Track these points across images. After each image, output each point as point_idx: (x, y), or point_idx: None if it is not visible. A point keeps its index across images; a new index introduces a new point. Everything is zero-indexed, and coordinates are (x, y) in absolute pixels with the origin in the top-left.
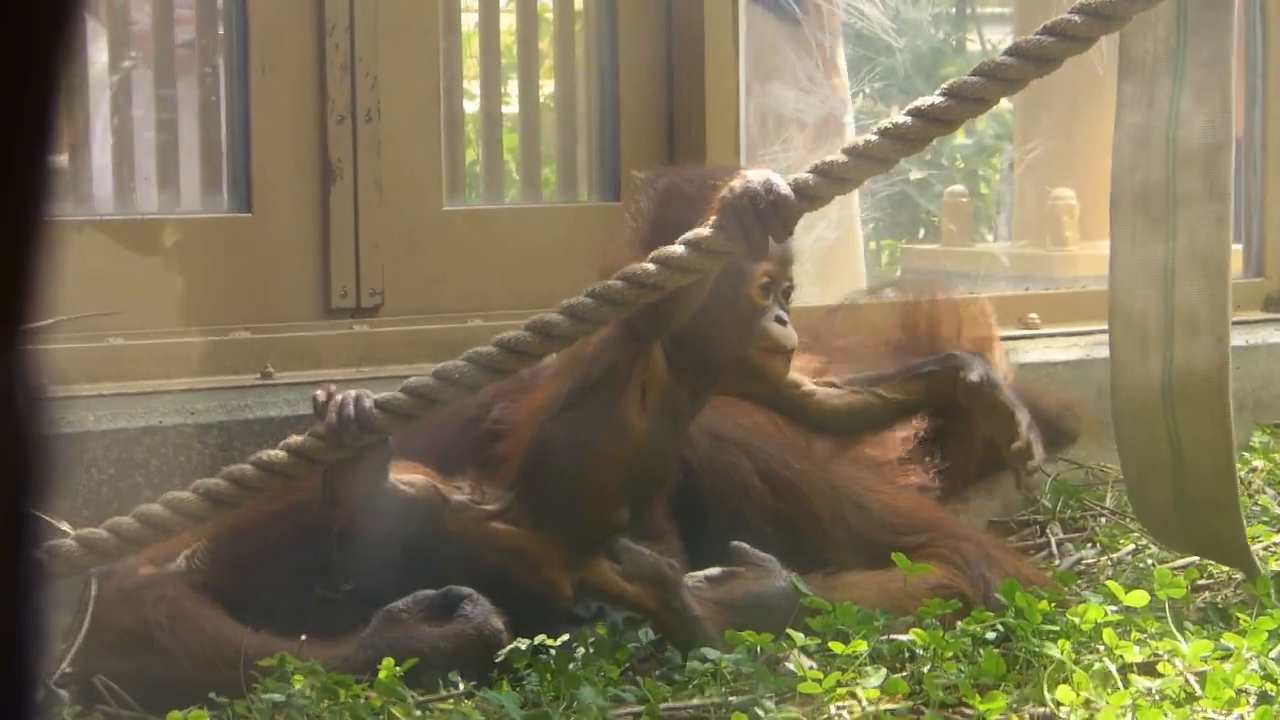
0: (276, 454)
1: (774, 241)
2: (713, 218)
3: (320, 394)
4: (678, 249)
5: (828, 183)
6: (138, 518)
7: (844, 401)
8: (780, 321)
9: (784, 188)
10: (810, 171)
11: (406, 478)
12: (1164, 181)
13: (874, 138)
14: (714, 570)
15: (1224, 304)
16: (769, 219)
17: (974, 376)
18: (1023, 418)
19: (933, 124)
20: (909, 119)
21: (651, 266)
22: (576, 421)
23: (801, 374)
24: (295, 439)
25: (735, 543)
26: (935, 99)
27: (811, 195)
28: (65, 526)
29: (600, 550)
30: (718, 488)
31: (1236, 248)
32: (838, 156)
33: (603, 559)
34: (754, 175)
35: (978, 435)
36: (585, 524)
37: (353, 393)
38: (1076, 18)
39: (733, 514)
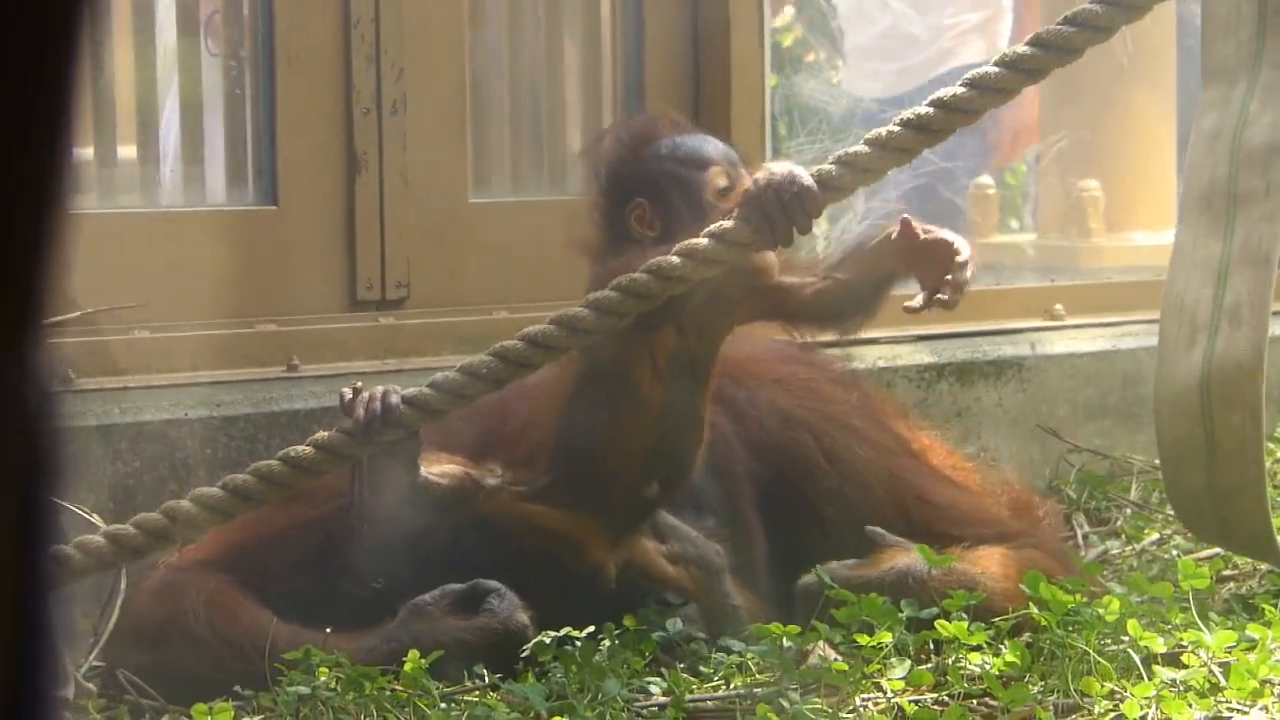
0: (304, 450)
1: (799, 233)
2: (736, 210)
3: (347, 391)
4: (702, 242)
5: (851, 173)
6: (166, 513)
7: (813, 290)
8: None
9: (807, 179)
10: (833, 162)
11: (438, 469)
12: (1227, 180)
13: (896, 128)
14: (850, 561)
15: (1267, 296)
16: (794, 210)
17: (900, 225)
18: (956, 238)
19: (955, 114)
20: (931, 110)
21: (676, 259)
22: (594, 401)
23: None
24: (322, 435)
25: (870, 528)
26: (957, 89)
27: (835, 186)
28: (96, 520)
29: (638, 528)
30: (785, 469)
31: None
32: (860, 147)
33: (647, 540)
34: (777, 167)
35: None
36: (617, 501)
37: (379, 389)
38: (1098, 7)
39: (799, 495)
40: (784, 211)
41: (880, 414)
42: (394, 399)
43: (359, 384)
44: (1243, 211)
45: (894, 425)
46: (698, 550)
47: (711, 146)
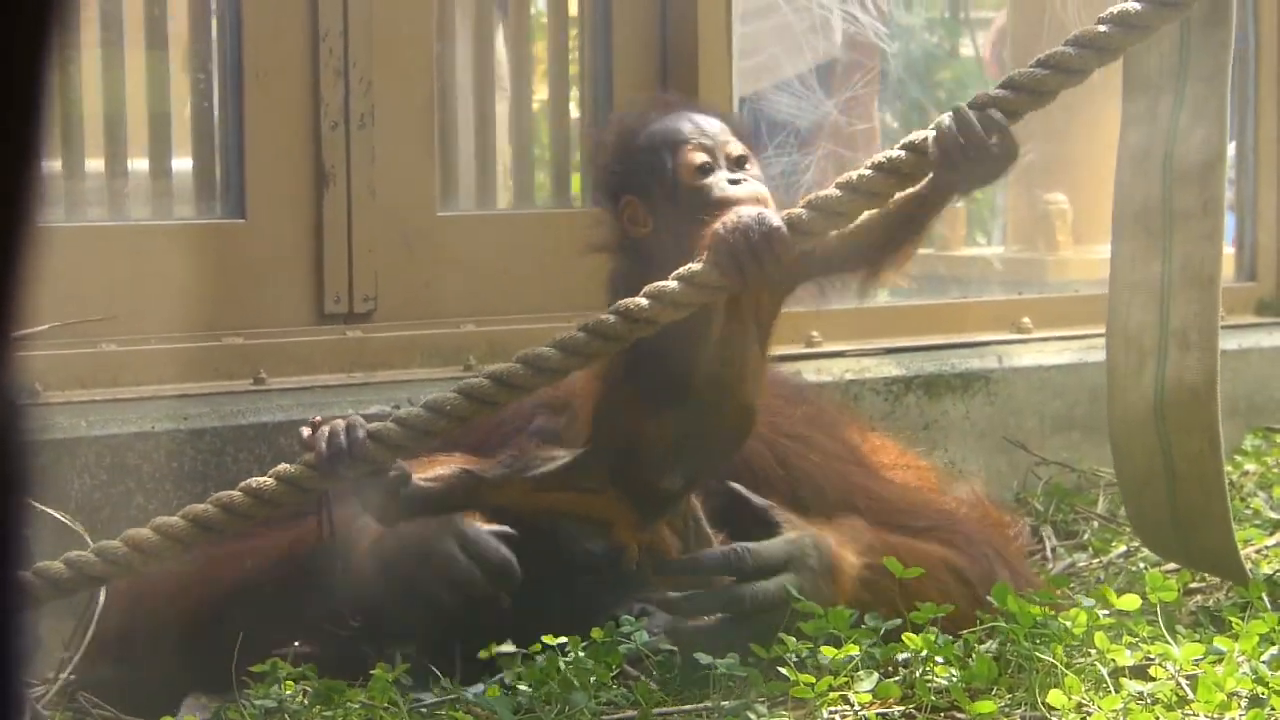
0: (266, 482)
1: (770, 274)
2: (704, 253)
3: (306, 430)
4: (670, 284)
5: (821, 217)
6: (127, 541)
7: (857, 226)
8: (734, 182)
9: (776, 221)
10: (804, 206)
11: (431, 473)
12: (1162, 198)
13: (867, 171)
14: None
15: (1214, 318)
16: (762, 253)
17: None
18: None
19: (925, 158)
20: (903, 153)
21: (644, 302)
22: (633, 386)
23: None
24: (286, 468)
25: (733, 485)
26: (928, 132)
27: (805, 230)
28: (83, 533)
29: (666, 514)
30: (740, 476)
31: (1229, 252)
32: (831, 190)
33: (665, 530)
34: (746, 210)
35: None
36: (646, 487)
37: (341, 423)
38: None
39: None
40: (753, 254)
41: (830, 423)
42: (359, 434)
43: (318, 418)
44: (1180, 230)
45: (843, 433)
46: (720, 560)
47: (685, 123)
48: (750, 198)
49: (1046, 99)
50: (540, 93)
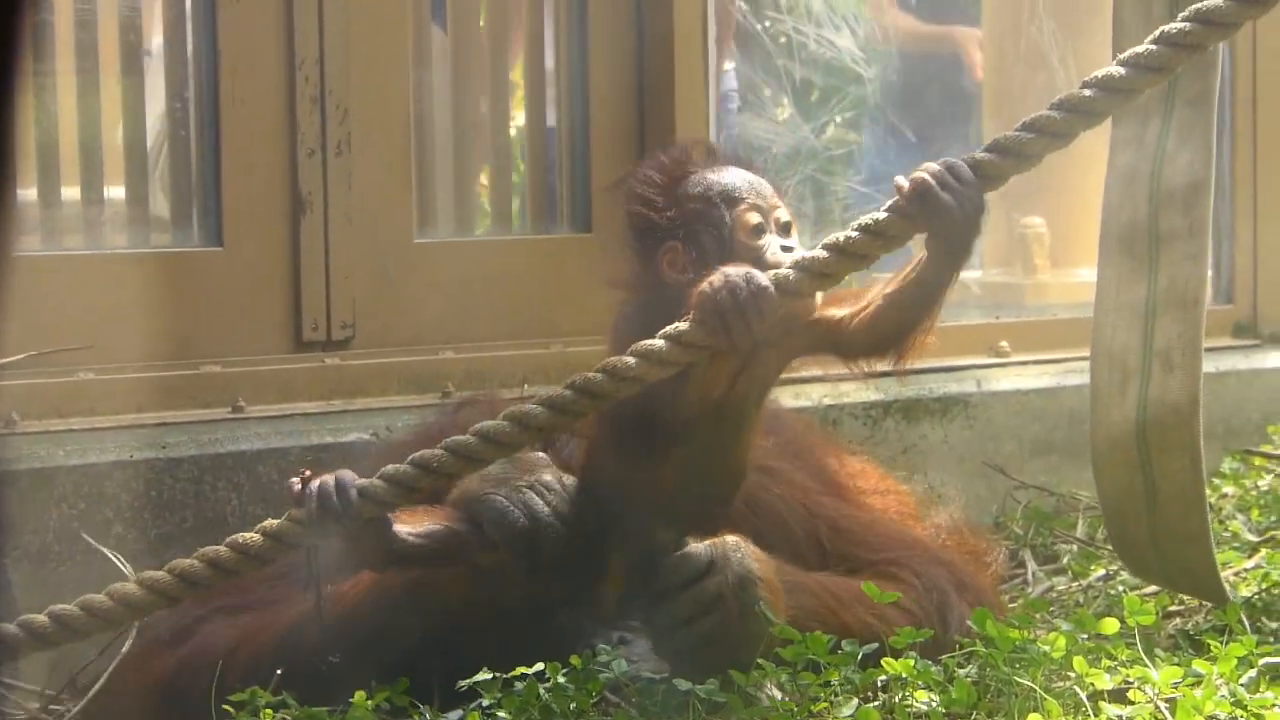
0: (253, 537)
1: (757, 334)
2: (692, 313)
3: (296, 481)
4: (658, 343)
5: (808, 277)
6: (111, 595)
7: (866, 317)
8: (786, 250)
9: (763, 280)
10: (791, 266)
11: (419, 528)
12: (1148, 220)
13: (855, 234)
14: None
15: (1197, 339)
16: (749, 312)
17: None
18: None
19: (909, 221)
20: (886, 215)
21: (631, 360)
22: (622, 443)
23: (828, 306)
24: (272, 523)
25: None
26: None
27: (792, 290)
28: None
29: (649, 566)
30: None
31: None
32: (819, 252)
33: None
34: (733, 270)
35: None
36: (634, 540)
37: (331, 478)
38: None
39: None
40: (739, 313)
41: (802, 451)
42: (351, 493)
43: (307, 472)
44: (1166, 252)
45: (817, 460)
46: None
47: (741, 180)
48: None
49: (1031, 162)
50: (517, 119)
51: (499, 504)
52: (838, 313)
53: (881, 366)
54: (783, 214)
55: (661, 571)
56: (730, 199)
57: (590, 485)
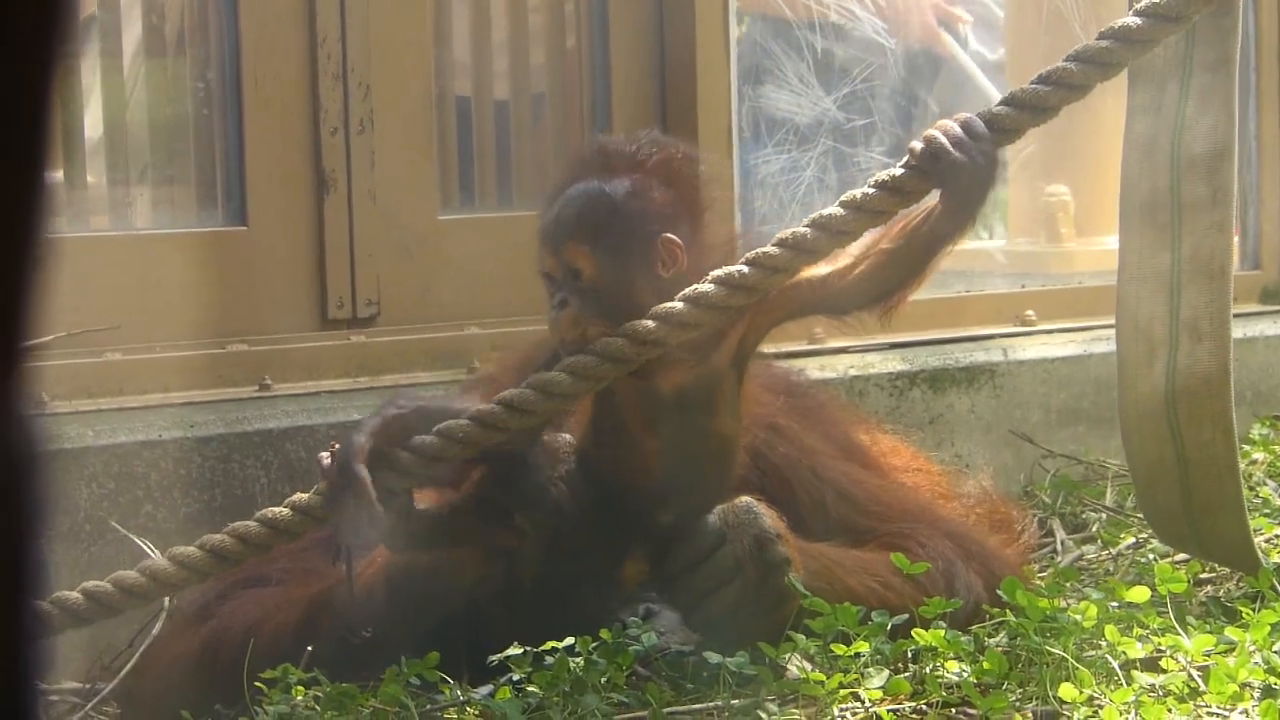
0: (282, 512)
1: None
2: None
3: (325, 455)
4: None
5: (826, 236)
6: (143, 572)
7: (854, 274)
8: (557, 307)
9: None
10: (809, 224)
11: (438, 508)
12: (1169, 189)
13: (872, 190)
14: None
15: (1225, 309)
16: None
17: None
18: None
19: (898, 195)
20: (901, 170)
21: (651, 324)
22: (605, 430)
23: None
24: (301, 497)
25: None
26: (897, 171)
27: (809, 249)
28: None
29: (656, 552)
30: None
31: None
32: (835, 209)
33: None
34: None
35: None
36: (633, 526)
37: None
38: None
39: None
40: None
41: (812, 413)
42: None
43: (336, 445)
44: (1189, 221)
45: (829, 424)
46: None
47: (549, 218)
48: None
49: (1048, 115)
50: (538, 93)
51: (532, 492)
52: (819, 272)
53: (870, 320)
54: (584, 261)
55: (673, 552)
56: (540, 231)
57: (588, 471)
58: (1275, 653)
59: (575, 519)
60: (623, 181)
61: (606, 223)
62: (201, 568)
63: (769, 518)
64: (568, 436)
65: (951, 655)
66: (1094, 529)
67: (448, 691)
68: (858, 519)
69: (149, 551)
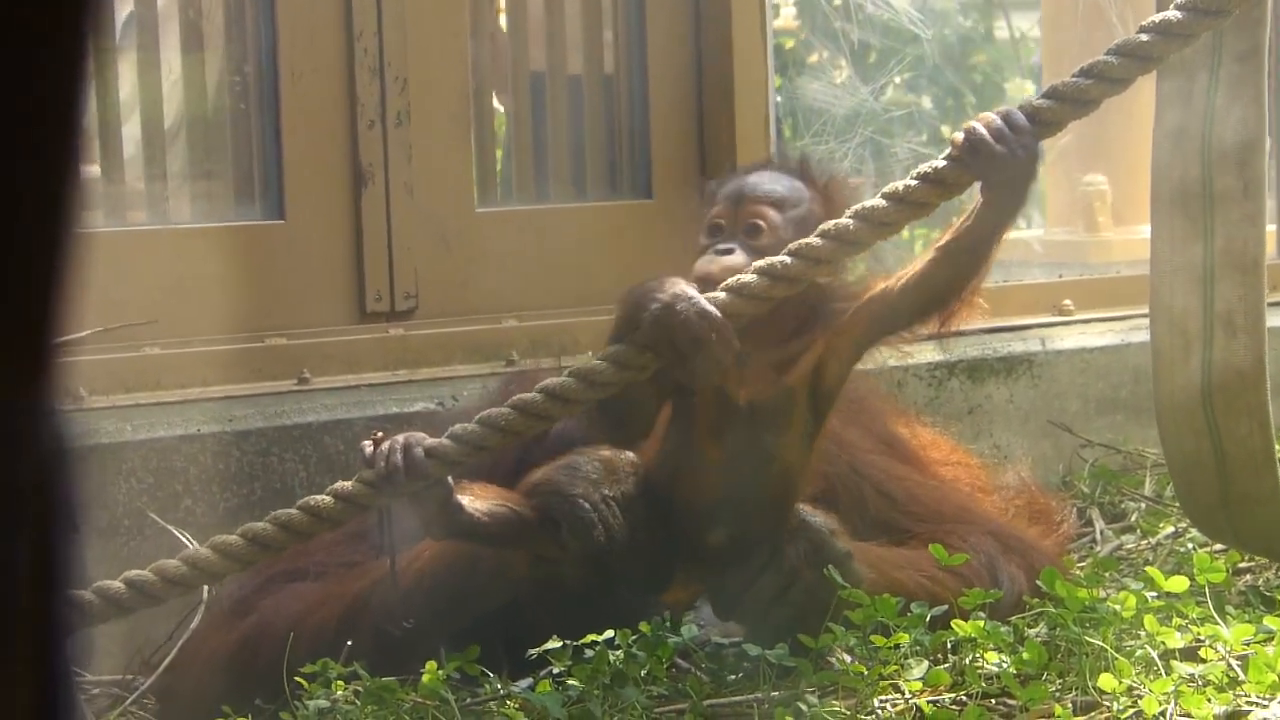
0: (324, 500)
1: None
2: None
3: (368, 444)
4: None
5: (868, 227)
6: (186, 560)
7: (902, 284)
8: (723, 252)
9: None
10: (851, 216)
11: (482, 505)
12: (1200, 180)
13: (914, 182)
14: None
15: (1260, 302)
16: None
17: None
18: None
19: (908, 207)
20: (943, 163)
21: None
22: (671, 443)
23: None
24: (343, 485)
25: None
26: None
27: (852, 240)
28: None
29: (712, 570)
30: None
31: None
32: (878, 201)
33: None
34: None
35: None
36: (683, 546)
37: (400, 439)
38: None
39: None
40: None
41: (857, 411)
42: (418, 451)
43: (379, 433)
44: (1221, 214)
45: (870, 419)
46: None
47: (740, 179)
48: (705, 266)
49: (1089, 108)
50: (575, 85)
51: (585, 515)
52: (882, 284)
53: (927, 330)
54: (766, 217)
55: (728, 574)
56: (715, 196)
57: (645, 491)
58: None
59: (624, 541)
60: (802, 183)
61: (795, 200)
62: (244, 556)
63: (819, 515)
64: (631, 455)
65: (991, 646)
66: (1133, 518)
67: (488, 685)
68: (897, 517)
69: (189, 544)
